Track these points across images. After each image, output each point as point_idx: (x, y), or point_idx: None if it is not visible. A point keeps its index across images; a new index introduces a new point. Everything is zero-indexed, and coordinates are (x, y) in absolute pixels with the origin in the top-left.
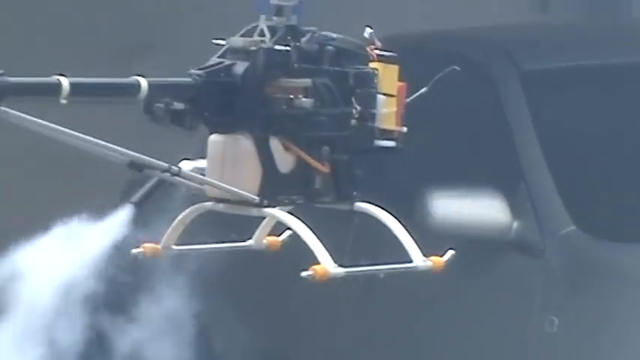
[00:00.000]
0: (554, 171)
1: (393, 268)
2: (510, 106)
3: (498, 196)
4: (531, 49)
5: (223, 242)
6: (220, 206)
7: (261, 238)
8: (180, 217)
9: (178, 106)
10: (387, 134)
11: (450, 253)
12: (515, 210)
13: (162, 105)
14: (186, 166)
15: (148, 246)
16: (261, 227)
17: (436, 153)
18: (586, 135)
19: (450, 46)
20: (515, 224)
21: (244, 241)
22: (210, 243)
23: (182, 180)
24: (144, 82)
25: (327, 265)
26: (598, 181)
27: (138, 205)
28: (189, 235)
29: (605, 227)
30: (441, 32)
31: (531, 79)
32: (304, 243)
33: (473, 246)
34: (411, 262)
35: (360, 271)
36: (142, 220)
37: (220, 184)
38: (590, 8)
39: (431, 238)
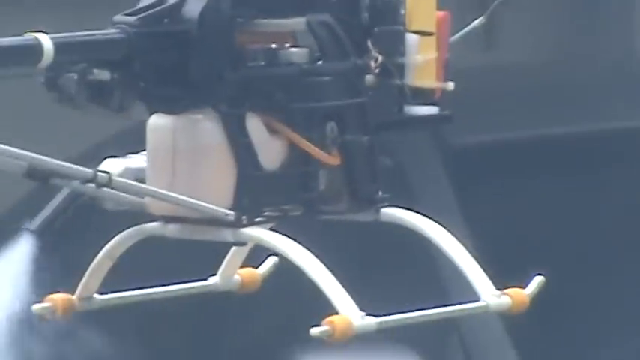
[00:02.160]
0: None
1: (451, 312)
2: None
3: None
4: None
5: (172, 283)
6: (171, 229)
7: (230, 273)
8: (104, 250)
9: (100, 75)
10: (424, 95)
11: (538, 279)
12: None
13: (75, 75)
14: (113, 167)
15: (57, 297)
16: (229, 256)
17: None
18: None
19: None
20: None
21: (204, 278)
22: (152, 284)
23: (112, 192)
24: (47, 42)
25: (349, 314)
26: None
27: (40, 234)
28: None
29: None
30: None
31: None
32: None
33: None
34: (477, 299)
35: (399, 320)
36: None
37: (171, 194)
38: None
39: None
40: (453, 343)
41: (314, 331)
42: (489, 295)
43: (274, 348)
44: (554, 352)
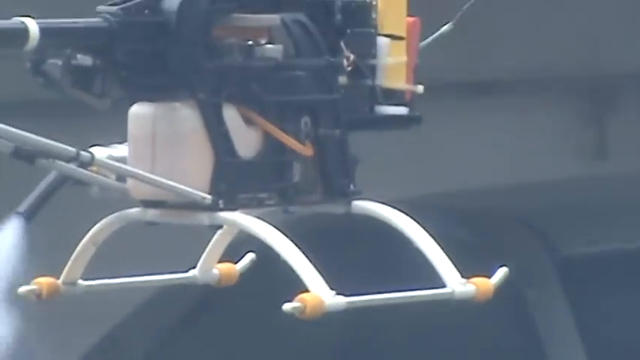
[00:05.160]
0: None
1: (417, 296)
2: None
3: None
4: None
5: (152, 274)
6: (152, 213)
7: (209, 265)
8: (88, 236)
9: (84, 61)
10: (394, 96)
11: (503, 270)
12: None
13: (59, 61)
14: (98, 153)
15: (43, 281)
16: (210, 248)
17: None
18: None
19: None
20: None
21: (185, 271)
22: (132, 273)
23: (96, 175)
24: (33, 26)
25: (320, 292)
26: None
27: (28, 217)
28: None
29: None
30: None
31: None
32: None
33: None
34: (443, 286)
35: (370, 300)
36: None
37: (152, 176)
38: None
39: None
40: None
41: (286, 306)
42: (455, 283)
43: None
44: None
